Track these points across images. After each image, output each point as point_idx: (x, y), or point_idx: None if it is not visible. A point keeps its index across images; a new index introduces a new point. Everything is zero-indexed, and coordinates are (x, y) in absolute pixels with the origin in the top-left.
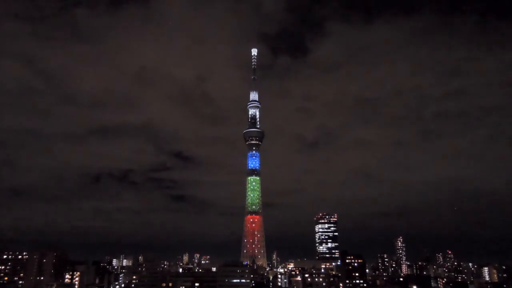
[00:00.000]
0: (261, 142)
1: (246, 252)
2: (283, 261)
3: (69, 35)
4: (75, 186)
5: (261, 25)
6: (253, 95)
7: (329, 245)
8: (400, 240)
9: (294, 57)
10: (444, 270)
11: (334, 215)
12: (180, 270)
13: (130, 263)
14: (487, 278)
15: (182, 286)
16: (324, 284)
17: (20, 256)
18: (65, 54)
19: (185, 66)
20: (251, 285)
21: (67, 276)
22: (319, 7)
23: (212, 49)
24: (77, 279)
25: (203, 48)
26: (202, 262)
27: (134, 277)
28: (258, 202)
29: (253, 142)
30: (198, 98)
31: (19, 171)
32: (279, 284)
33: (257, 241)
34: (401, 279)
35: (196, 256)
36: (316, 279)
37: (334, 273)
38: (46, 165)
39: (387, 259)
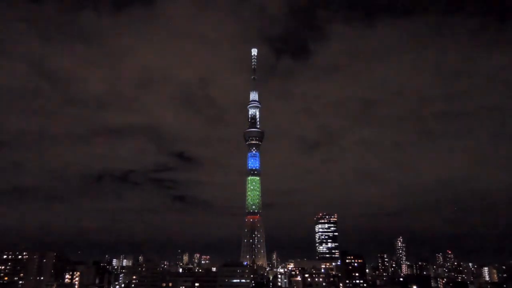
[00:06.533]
0: (261, 142)
1: (246, 252)
2: (283, 261)
3: (73, 37)
4: (76, 187)
5: (263, 27)
6: (253, 95)
7: (329, 245)
8: (400, 240)
9: (296, 59)
10: (444, 270)
11: (334, 215)
12: (180, 270)
13: (130, 263)
14: (487, 278)
15: (182, 286)
16: (324, 284)
17: (20, 256)
18: (70, 55)
19: (188, 67)
20: (251, 285)
21: (67, 276)
22: (321, 9)
23: (215, 51)
24: (77, 279)
25: (206, 50)
26: (202, 262)
27: (134, 277)
28: (258, 202)
29: (253, 142)
30: (201, 99)
31: (21, 171)
32: (279, 284)
33: (257, 241)
34: (401, 279)
35: (196, 256)
36: (316, 279)
37: (334, 273)
38: (48, 165)
39: (387, 259)
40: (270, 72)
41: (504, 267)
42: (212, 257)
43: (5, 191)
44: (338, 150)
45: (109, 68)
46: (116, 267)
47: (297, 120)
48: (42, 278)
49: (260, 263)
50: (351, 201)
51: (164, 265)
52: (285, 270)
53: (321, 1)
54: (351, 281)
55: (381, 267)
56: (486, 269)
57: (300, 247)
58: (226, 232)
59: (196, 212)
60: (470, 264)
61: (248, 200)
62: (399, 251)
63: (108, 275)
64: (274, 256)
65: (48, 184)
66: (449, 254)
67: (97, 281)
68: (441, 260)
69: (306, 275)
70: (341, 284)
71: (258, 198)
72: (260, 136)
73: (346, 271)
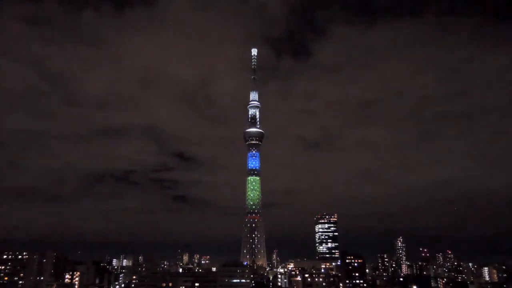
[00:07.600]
0: (261, 142)
1: (246, 252)
2: (283, 261)
3: (74, 37)
4: (77, 187)
5: (264, 27)
6: (253, 95)
7: (329, 245)
8: (400, 240)
9: (297, 59)
10: (444, 270)
11: (334, 215)
12: (180, 270)
13: (130, 263)
14: (487, 278)
15: (182, 286)
16: (324, 284)
17: (20, 256)
18: (71, 56)
19: (188, 67)
20: (251, 285)
21: (67, 276)
22: (321, 9)
23: (216, 51)
24: (77, 279)
25: (207, 50)
26: (202, 262)
27: (134, 277)
28: (258, 202)
29: (253, 142)
30: (201, 99)
31: (22, 172)
32: (279, 284)
33: (257, 241)
34: (401, 279)
35: (196, 256)
36: (316, 279)
37: (334, 273)
38: (49, 165)
39: (387, 259)
40: (271, 72)
41: (504, 267)
42: (212, 257)
43: (5, 191)
44: (338, 150)
45: (109, 68)
46: (116, 267)
47: (297, 120)
48: (42, 278)
49: (260, 263)
50: (351, 201)
51: (164, 265)
52: (285, 270)
53: (321, 1)
54: (351, 281)
55: (381, 267)
56: (486, 269)
57: (300, 247)
58: (226, 232)
59: (196, 212)
60: (470, 264)
61: (248, 200)
62: (399, 251)
63: (108, 275)
64: (274, 256)
65: (48, 184)
66: (449, 254)
67: (97, 281)
68: (441, 260)
69: (306, 275)
70: (341, 284)
71: (258, 198)
72: (260, 136)
73: (346, 271)
